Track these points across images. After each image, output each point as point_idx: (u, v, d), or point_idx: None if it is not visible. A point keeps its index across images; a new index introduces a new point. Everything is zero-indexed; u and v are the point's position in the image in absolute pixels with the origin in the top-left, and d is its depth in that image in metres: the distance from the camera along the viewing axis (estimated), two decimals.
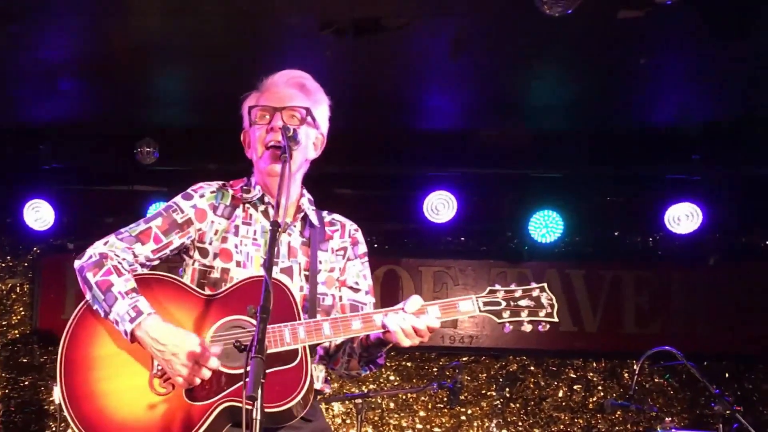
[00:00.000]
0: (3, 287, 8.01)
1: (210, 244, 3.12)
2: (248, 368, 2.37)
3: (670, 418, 6.09)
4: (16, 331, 7.95)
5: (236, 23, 5.52)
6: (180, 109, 6.94)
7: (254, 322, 2.49)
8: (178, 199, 3.18)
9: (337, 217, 3.34)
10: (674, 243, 7.75)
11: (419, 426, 7.72)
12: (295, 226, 3.19)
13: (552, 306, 3.05)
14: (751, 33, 5.33)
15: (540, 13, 4.72)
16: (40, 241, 7.97)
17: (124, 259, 3.03)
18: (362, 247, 3.33)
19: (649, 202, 7.67)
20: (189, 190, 3.20)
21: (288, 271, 3.11)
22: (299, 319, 2.90)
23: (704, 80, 6.28)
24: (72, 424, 2.91)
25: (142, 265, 3.10)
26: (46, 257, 8.01)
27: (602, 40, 5.63)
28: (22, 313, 7.97)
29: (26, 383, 7.86)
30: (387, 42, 5.62)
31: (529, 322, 3.03)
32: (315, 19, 5.34)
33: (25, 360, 7.90)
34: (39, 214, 7.66)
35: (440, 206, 7.55)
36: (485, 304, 3.02)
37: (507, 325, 3.03)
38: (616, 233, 7.94)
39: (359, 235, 3.34)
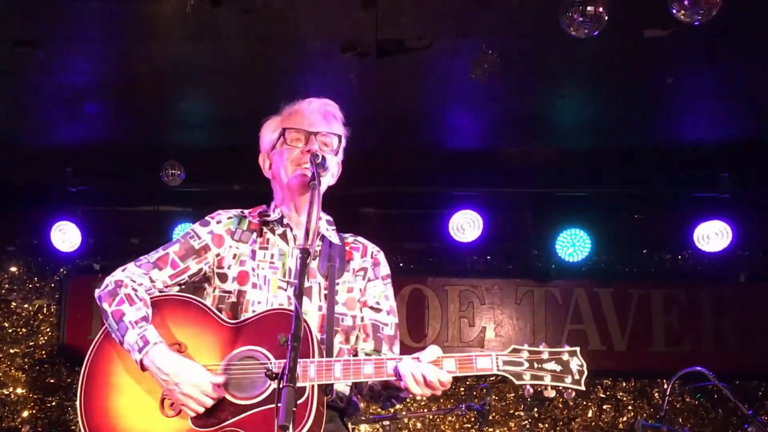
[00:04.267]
0: (30, 308, 8.06)
1: (229, 268, 3.16)
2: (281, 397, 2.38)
3: None
4: (43, 352, 7.98)
5: (258, 47, 5.53)
6: (205, 131, 6.96)
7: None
8: (196, 226, 3.26)
9: (359, 239, 3.35)
10: (703, 261, 7.67)
11: None
12: (315, 248, 3.19)
13: (581, 373, 2.89)
14: None
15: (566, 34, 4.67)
16: (67, 263, 8.03)
17: (140, 284, 3.10)
18: (384, 269, 3.30)
19: (677, 220, 7.58)
20: (207, 217, 3.28)
21: (307, 292, 3.11)
22: (314, 356, 2.84)
23: (732, 98, 6.22)
24: None
25: (161, 291, 3.17)
26: (73, 278, 8.06)
27: (629, 60, 5.60)
28: (49, 333, 8.01)
29: (53, 403, 7.89)
30: (410, 63, 5.60)
31: (553, 387, 2.86)
32: (337, 41, 5.34)
33: (52, 380, 7.93)
34: (66, 236, 7.70)
35: (466, 225, 7.50)
36: (505, 363, 2.87)
37: (528, 387, 2.86)
38: (644, 251, 7.86)
39: (381, 257, 3.32)
